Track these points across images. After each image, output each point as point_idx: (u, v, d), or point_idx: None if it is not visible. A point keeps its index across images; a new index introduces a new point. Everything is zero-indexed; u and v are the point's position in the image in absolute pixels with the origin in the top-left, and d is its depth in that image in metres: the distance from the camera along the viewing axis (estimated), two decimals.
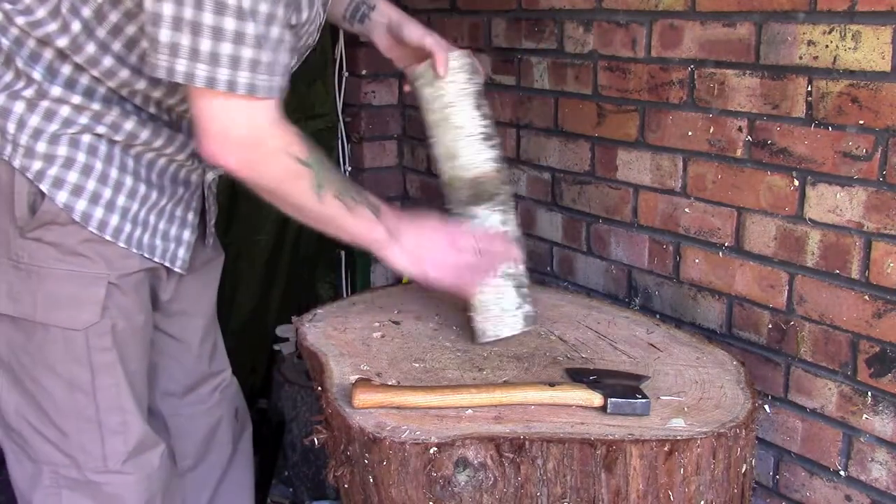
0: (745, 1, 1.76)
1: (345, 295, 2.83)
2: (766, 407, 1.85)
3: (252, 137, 1.36)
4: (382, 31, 1.77)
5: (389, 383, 1.56)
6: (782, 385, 1.82)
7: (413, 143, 2.84)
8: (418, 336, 1.78)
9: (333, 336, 1.77)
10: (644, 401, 1.46)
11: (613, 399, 1.45)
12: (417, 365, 1.65)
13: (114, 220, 1.47)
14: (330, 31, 2.74)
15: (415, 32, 1.72)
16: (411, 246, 1.56)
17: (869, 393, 1.67)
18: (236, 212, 2.66)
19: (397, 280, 2.94)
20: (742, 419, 1.45)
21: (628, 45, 2.02)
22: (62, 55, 1.42)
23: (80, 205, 1.44)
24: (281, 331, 2.77)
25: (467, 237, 1.61)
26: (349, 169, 2.89)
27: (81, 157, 1.43)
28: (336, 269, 2.93)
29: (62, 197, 1.42)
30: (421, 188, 2.84)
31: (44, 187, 1.41)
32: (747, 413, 1.47)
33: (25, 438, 1.55)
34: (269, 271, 2.84)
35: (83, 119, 1.43)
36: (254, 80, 1.30)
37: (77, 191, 1.43)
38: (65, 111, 1.42)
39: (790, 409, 1.82)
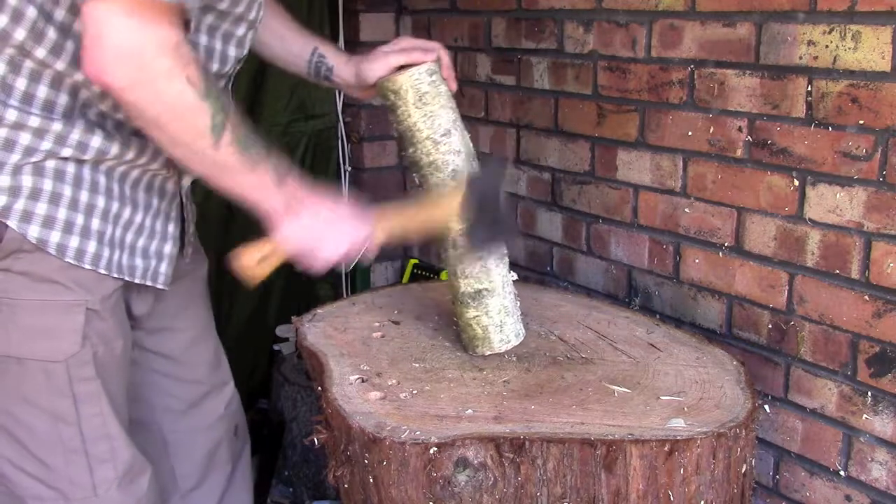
0: (745, 1, 1.76)
1: (345, 295, 2.83)
2: (766, 407, 1.85)
3: (139, 51, 1.17)
4: (349, 91, 1.73)
5: (389, 383, 1.56)
6: (782, 385, 1.82)
7: None
8: (418, 336, 1.78)
9: (333, 336, 1.77)
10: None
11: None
12: (417, 365, 1.65)
13: (91, 246, 1.39)
14: (330, 31, 2.74)
15: (372, 73, 1.64)
16: (305, 226, 1.44)
17: (869, 393, 1.67)
18: (236, 211, 2.66)
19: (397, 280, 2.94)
20: (742, 419, 1.45)
21: (628, 45, 2.02)
22: (14, 66, 1.32)
23: (54, 237, 1.36)
24: (281, 331, 2.77)
25: (362, 225, 1.48)
26: (349, 169, 2.89)
27: (48, 186, 1.35)
28: (336, 270, 2.93)
29: (34, 231, 1.34)
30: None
31: (12, 223, 1.33)
32: (747, 413, 1.47)
33: (5, 475, 1.48)
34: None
35: (45, 144, 1.34)
36: None
37: (48, 222, 1.35)
38: (25, 139, 1.33)
39: (790, 409, 1.82)
